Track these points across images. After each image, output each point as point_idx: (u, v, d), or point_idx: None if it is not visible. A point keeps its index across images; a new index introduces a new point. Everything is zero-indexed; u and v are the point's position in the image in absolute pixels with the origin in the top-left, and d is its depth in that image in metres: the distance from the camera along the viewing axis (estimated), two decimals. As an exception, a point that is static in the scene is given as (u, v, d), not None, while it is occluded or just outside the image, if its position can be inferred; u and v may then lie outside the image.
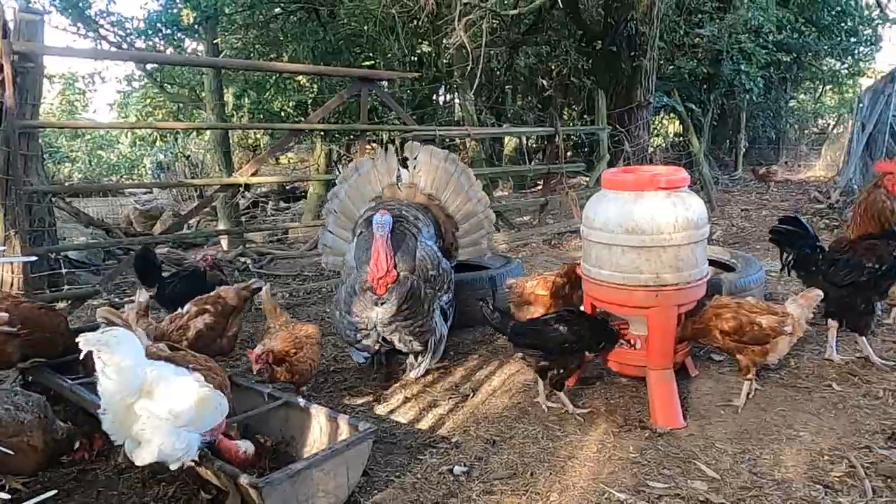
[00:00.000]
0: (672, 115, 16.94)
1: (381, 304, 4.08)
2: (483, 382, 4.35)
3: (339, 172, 13.83)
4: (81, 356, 2.47)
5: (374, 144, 10.89)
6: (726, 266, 5.47)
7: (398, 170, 4.95)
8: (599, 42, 12.66)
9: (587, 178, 12.17)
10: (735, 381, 4.03)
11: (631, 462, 3.23)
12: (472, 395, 4.16)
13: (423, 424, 3.78)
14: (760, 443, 3.36)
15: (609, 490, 2.98)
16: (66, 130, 19.21)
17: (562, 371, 3.78)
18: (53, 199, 7.27)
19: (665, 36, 13.20)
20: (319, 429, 3.23)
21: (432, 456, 3.39)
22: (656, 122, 17.82)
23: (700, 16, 13.85)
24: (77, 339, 2.42)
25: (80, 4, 10.72)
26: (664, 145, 18.08)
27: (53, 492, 2.62)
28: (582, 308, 4.07)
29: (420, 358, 4.43)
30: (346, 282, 4.32)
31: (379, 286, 4.05)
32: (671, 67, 14.57)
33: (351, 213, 4.90)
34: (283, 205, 15.08)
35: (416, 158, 4.98)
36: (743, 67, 13.69)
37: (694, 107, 14.11)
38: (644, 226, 3.49)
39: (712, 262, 4.75)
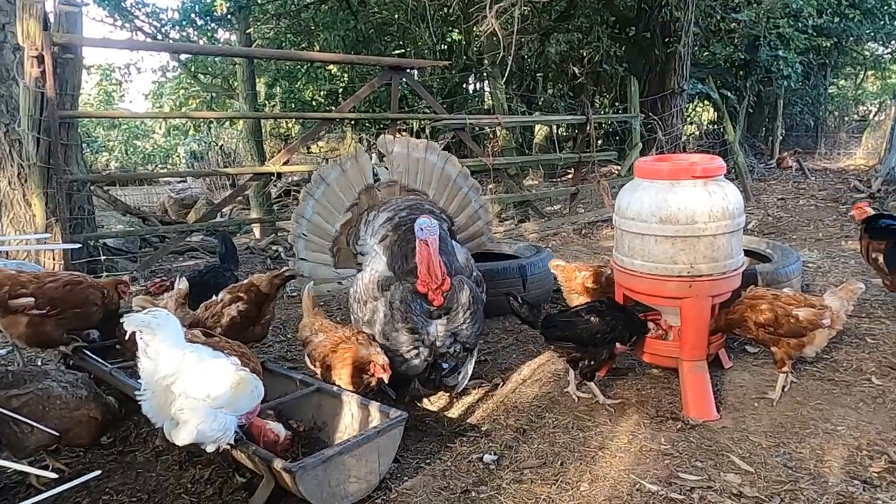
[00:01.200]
0: (706, 102, 16.60)
1: (440, 315, 3.61)
2: (512, 372, 4.35)
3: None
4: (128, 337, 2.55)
5: (403, 133, 10.89)
6: (762, 256, 5.38)
7: (374, 170, 4.44)
8: (633, 28, 12.45)
9: (619, 167, 12.04)
10: (770, 374, 3.97)
11: (663, 454, 3.21)
12: (501, 384, 4.16)
13: (453, 413, 3.80)
14: (796, 436, 3.30)
15: (640, 481, 2.97)
16: (103, 120, 19.60)
17: (593, 362, 3.76)
18: (92, 188, 7.43)
19: (700, 21, 12.92)
20: (351, 415, 3.27)
21: (462, 444, 3.40)
22: (690, 110, 17.49)
23: (737, 0, 13.52)
24: (122, 320, 2.50)
25: (117, -5, 10.91)
26: (698, 133, 17.75)
27: (97, 472, 2.71)
28: (614, 298, 4.04)
29: (464, 366, 3.95)
30: (379, 298, 3.73)
31: (436, 297, 3.56)
32: (706, 53, 14.26)
33: (324, 232, 4.30)
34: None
35: (392, 153, 4.48)
36: (781, 53, 13.32)
37: (729, 94, 13.81)
38: (678, 215, 3.44)
39: (748, 253, 4.68)
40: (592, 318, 3.76)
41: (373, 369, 3.35)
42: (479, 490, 2.97)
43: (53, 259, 5.87)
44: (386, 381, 3.39)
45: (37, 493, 2.92)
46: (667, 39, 11.59)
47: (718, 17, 13.32)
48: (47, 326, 3.73)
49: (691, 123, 18.27)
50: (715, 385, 3.80)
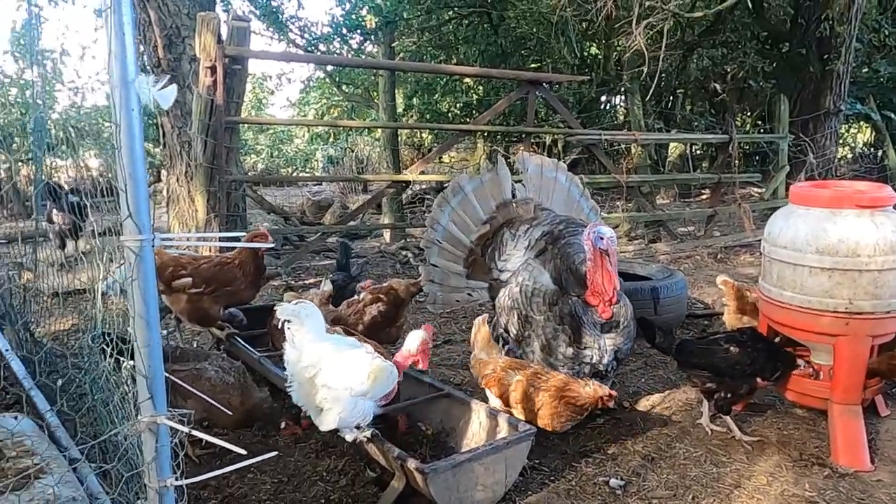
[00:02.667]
0: (864, 123, 15.29)
1: (609, 329, 3.58)
2: (640, 396, 4.23)
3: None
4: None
5: (535, 147, 10.91)
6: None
7: (512, 185, 4.39)
8: (785, 44, 11.73)
9: (760, 190, 11.35)
10: (936, 427, 3.60)
11: (807, 501, 3.00)
12: (628, 407, 4.06)
13: (578, 432, 3.75)
14: (967, 500, 2.97)
15: (781, 527, 2.80)
16: (252, 124, 21.14)
17: (730, 395, 3.59)
18: (245, 188, 8.04)
19: (863, 36, 11.95)
20: (479, 424, 3.32)
21: (587, 465, 3.36)
22: (844, 132, 16.18)
23: (908, 14, 12.39)
24: (275, 309, 2.75)
25: (276, 11, 11.76)
26: (850, 156, 16.37)
27: (274, 453, 2.94)
28: (757, 329, 3.83)
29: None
30: (545, 312, 3.66)
31: (606, 309, 3.52)
32: (866, 71, 13.15)
33: (458, 242, 4.26)
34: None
35: (528, 171, 4.48)
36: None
37: (893, 115, 12.64)
38: (839, 246, 3.21)
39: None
40: (732, 348, 3.59)
41: (604, 403, 3.23)
42: (606, 514, 2.93)
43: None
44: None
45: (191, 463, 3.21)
46: (825, 56, 10.82)
47: (886, 33, 12.27)
48: (204, 303, 4.14)
49: (844, 146, 16.89)
50: (869, 433, 3.49)
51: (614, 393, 3.28)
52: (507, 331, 3.93)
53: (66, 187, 7.38)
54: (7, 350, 3.70)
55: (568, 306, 3.58)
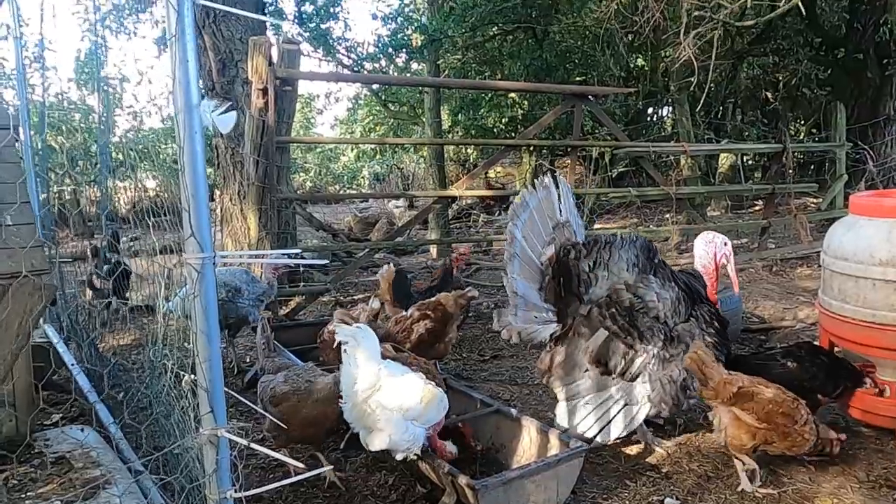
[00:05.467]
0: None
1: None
2: (694, 413, 4.12)
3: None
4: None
5: (580, 161, 10.84)
6: None
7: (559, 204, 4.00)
8: (841, 50, 11.39)
9: (816, 200, 10.99)
10: None
11: (874, 524, 2.87)
12: (682, 424, 3.97)
13: (631, 450, 3.68)
14: None
15: (848, 551, 2.68)
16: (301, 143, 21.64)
17: (789, 412, 3.47)
18: (295, 206, 8.22)
19: (923, 39, 11.51)
20: (529, 440, 3.30)
21: (642, 484, 3.29)
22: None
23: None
24: (334, 329, 2.77)
25: (325, 34, 12.05)
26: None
27: (330, 467, 2.98)
28: (818, 344, 3.71)
29: None
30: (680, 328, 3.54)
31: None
32: (925, 74, 12.62)
33: (530, 259, 3.89)
34: (484, 216, 15.57)
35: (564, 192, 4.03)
36: None
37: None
38: (904, 258, 3.09)
39: None
40: (790, 364, 3.49)
41: None
42: (661, 534, 2.86)
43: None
44: None
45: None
46: (884, 61, 10.45)
47: (948, 35, 11.78)
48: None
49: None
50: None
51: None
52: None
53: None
54: (73, 364, 3.86)
55: (693, 325, 3.59)
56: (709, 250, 3.66)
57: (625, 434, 3.59)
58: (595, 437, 3.55)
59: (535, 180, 4.12)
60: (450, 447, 3.10)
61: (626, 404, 3.53)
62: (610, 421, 3.54)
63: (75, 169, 6.18)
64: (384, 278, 4.78)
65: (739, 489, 3.18)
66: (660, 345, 3.49)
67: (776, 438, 3.13)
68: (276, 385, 3.17)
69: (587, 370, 3.60)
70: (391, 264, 4.59)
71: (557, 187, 3.95)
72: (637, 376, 3.51)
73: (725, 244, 3.63)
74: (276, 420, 2.80)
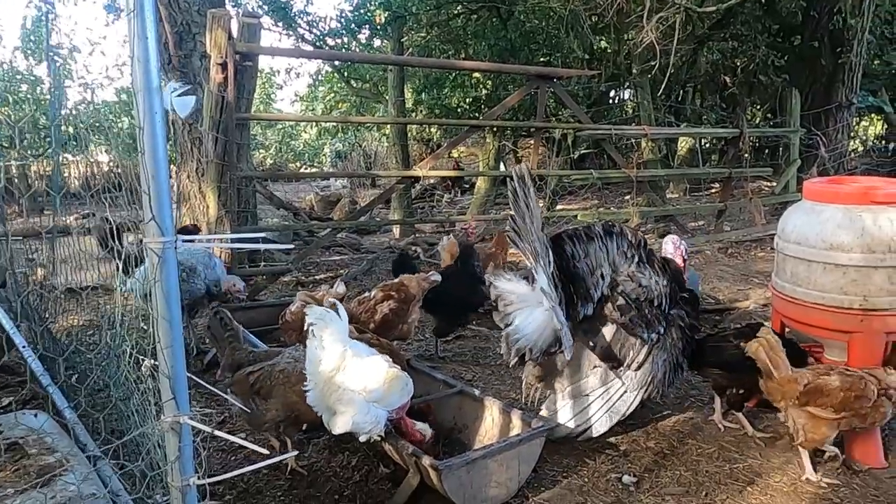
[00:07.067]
0: (876, 116, 15.16)
1: None
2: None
3: (505, 168, 13.83)
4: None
5: (543, 142, 10.88)
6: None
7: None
8: (797, 37, 11.64)
9: (770, 184, 11.28)
10: (951, 424, 3.58)
11: (821, 497, 3.01)
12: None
13: (591, 428, 3.76)
14: (982, 497, 2.97)
15: (795, 524, 2.80)
16: (261, 120, 21.21)
17: (741, 391, 3.58)
18: (255, 183, 8.07)
19: (875, 29, 11.83)
20: (492, 420, 3.34)
21: (600, 462, 3.37)
22: (856, 125, 16.04)
23: (922, 5, 12.25)
24: (305, 311, 2.76)
25: (285, 7, 11.77)
26: (862, 150, 16.24)
27: (295, 452, 2.98)
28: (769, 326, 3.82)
29: None
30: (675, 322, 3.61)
31: None
32: (877, 63, 13.01)
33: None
34: (447, 196, 15.56)
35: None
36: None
37: (906, 108, 12.54)
38: (854, 243, 3.20)
39: None
40: (742, 344, 3.59)
41: None
42: (619, 510, 2.94)
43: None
44: None
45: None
46: (837, 49, 10.73)
47: (899, 25, 12.15)
48: None
49: (855, 139, 16.75)
50: (884, 430, 3.48)
51: None
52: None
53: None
54: (24, 346, 3.73)
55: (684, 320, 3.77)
56: (675, 252, 4.13)
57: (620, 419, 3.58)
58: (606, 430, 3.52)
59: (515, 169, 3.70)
60: (420, 427, 3.11)
61: (626, 391, 3.52)
62: (610, 409, 3.52)
63: (23, 142, 5.95)
64: (446, 250, 5.04)
65: (804, 478, 3.15)
66: (661, 331, 3.53)
67: (857, 422, 3.06)
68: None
69: (595, 367, 3.53)
70: (452, 235, 4.62)
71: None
72: (643, 364, 3.50)
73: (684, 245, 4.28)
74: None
